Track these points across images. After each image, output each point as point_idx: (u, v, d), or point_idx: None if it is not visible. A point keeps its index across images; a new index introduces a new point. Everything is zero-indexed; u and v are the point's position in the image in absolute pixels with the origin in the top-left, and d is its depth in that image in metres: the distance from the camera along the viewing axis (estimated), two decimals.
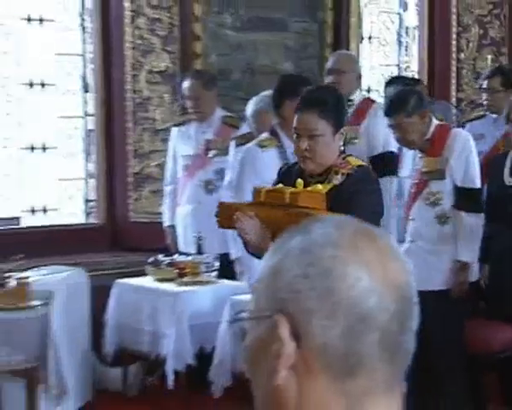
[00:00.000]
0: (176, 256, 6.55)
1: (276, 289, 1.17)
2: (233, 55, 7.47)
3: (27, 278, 5.62)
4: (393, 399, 1.18)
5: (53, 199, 7.41)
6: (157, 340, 6.25)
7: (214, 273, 6.39)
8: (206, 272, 6.37)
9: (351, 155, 4.26)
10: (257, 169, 5.60)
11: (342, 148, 4.26)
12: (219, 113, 6.74)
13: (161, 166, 7.26)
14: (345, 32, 8.08)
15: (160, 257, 6.52)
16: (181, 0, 7.25)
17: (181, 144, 6.83)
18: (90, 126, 7.53)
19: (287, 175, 4.23)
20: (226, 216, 4.15)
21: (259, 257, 3.99)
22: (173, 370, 6.08)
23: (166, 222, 6.96)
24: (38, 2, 7.22)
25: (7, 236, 6.61)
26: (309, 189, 3.92)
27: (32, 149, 7.24)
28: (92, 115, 7.52)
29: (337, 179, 3.95)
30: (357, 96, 6.40)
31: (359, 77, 6.59)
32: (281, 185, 4.08)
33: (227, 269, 6.41)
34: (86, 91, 7.51)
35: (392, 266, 1.17)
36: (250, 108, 6.27)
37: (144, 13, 7.23)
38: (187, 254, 6.57)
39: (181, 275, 6.32)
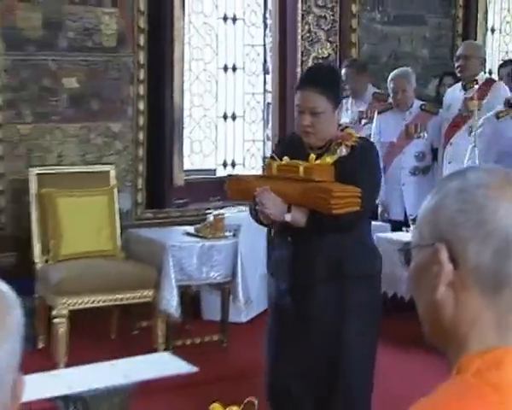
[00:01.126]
0: None
1: (437, 222, 1.17)
2: (381, 44, 7.47)
3: (222, 214, 5.82)
4: None
5: (239, 156, 7.54)
6: None
7: None
8: None
9: (347, 126, 3.78)
10: None
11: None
12: (371, 90, 6.79)
13: None
14: (473, 25, 7.99)
15: None
16: (341, 0, 7.27)
17: (341, 114, 6.86)
18: (269, 100, 7.61)
19: (288, 146, 3.60)
20: (236, 188, 3.67)
21: (268, 226, 3.73)
22: None
23: None
24: (232, 4, 7.34)
25: (206, 183, 6.82)
26: (319, 162, 3.39)
27: (225, 117, 7.41)
28: (270, 92, 7.60)
29: (342, 151, 3.40)
30: (481, 77, 6.39)
31: (484, 61, 6.52)
32: (287, 159, 3.47)
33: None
34: (266, 73, 7.60)
35: None
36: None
37: (312, 11, 7.27)
38: None
39: None
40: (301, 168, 3.35)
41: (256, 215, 3.51)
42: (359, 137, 3.54)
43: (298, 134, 3.55)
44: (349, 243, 3.40)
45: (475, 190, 1.16)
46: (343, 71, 6.70)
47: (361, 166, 3.39)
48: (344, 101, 6.83)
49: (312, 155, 3.39)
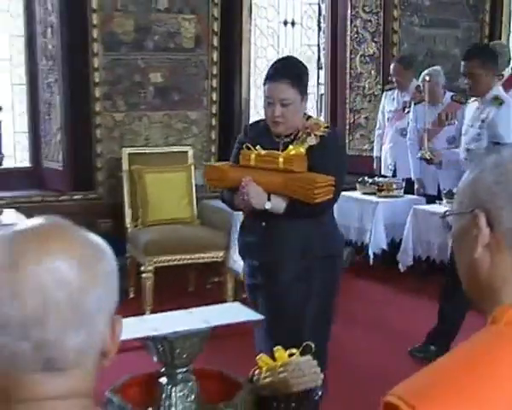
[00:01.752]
0: (376, 178, 6.59)
1: (476, 192, 1.16)
2: (418, 45, 7.32)
3: None
4: None
5: None
6: (362, 233, 6.33)
7: (402, 190, 6.45)
8: (397, 189, 6.42)
9: (311, 116, 3.23)
10: None
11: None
12: (414, 83, 6.67)
13: (367, 118, 7.29)
14: (498, 27, 7.79)
15: (366, 178, 6.53)
16: (384, 7, 7.15)
17: (387, 103, 6.76)
18: (321, 92, 7.62)
19: (256, 134, 3.16)
20: (213, 177, 3.25)
21: (242, 211, 3.28)
22: (373, 252, 6.17)
23: (375, 154, 6.89)
24: (291, 11, 7.30)
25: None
26: (293, 152, 3.00)
27: None
28: (323, 84, 7.60)
29: (312, 140, 3.02)
30: (506, 72, 6.20)
31: (509, 59, 6.36)
32: (260, 149, 3.07)
33: (411, 187, 6.46)
34: (320, 68, 7.58)
35: None
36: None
37: (360, 16, 7.20)
38: (385, 177, 6.64)
39: (380, 190, 6.37)
40: (281, 159, 2.98)
41: (230, 201, 3.19)
42: (326, 127, 3.13)
43: (263, 123, 3.17)
44: (317, 226, 3.06)
45: (509, 164, 1.15)
46: (392, 65, 6.62)
47: (331, 155, 3.04)
48: (390, 92, 6.78)
49: (290, 147, 3.02)
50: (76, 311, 0.93)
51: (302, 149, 3.00)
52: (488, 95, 4.56)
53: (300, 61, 3.19)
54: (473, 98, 4.84)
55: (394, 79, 6.61)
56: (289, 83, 2.97)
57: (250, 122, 3.55)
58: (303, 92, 3.04)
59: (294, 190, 2.94)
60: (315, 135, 3.02)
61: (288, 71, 3.03)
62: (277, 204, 3.00)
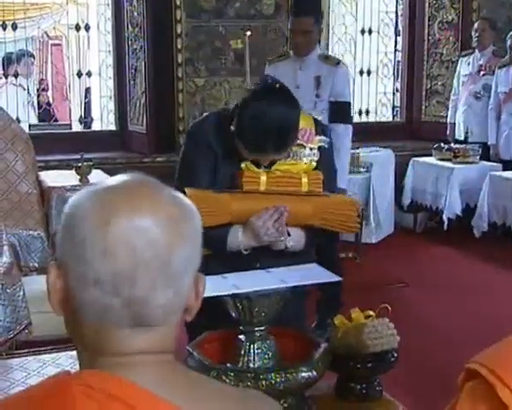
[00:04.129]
0: (452, 144, 6.44)
1: None
2: (498, 10, 7.04)
3: (358, 153, 5.77)
4: None
5: (372, 105, 7.38)
6: (437, 197, 6.24)
7: (478, 156, 6.27)
8: (473, 155, 6.26)
9: None
10: None
11: None
12: (491, 47, 6.44)
13: (444, 85, 7.08)
14: None
15: (442, 144, 6.39)
16: None
17: (463, 68, 6.54)
18: (399, 58, 7.43)
19: (220, 142, 2.17)
20: (206, 210, 1.97)
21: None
22: (447, 217, 6.06)
23: (449, 119, 6.69)
24: None
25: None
26: (305, 165, 2.19)
27: (361, 73, 7.25)
28: (400, 51, 7.41)
29: (311, 156, 2.20)
30: None
31: None
32: (279, 169, 2.16)
33: (487, 153, 6.27)
34: (398, 35, 7.40)
35: None
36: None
37: None
38: (460, 142, 6.46)
39: (455, 156, 6.24)
40: (305, 179, 2.14)
41: (222, 242, 2.14)
42: (316, 122, 2.28)
43: (214, 129, 2.19)
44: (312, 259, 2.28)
45: None
46: (477, 23, 6.42)
47: (332, 168, 2.33)
48: (465, 58, 6.55)
49: (308, 164, 2.19)
50: (164, 270, 0.91)
51: (304, 166, 2.19)
52: None
53: None
54: None
55: (476, 36, 6.39)
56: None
57: (197, 123, 2.33)
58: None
59: (327, 218, 2.17)
60: (310, 148, 2.21)
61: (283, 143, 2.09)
62: (298, 239, 2.19)
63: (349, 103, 4.45)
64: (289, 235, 2.15)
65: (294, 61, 4.40)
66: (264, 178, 2.10)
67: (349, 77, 4.64)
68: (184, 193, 1.95)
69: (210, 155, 2.16)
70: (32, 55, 7.28)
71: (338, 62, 4.42)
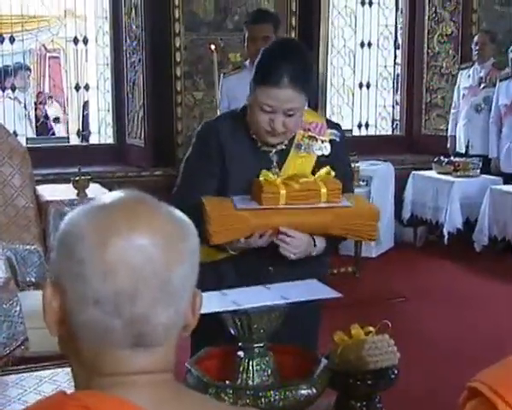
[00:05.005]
0: (452, 157, 6.44)
1: None
2: (497, 23, 7.08)
3: (358, 167, 5.73)
4: None
5: (372, 118, 7.41)
6: (437, 211, 6.24)
7: (478, 170, 6.27)
8: (473, 168, 6.26)
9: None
10: None
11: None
12: (491, 60, 6.47)
13: (444, 98, 7.09)
14: None
15: (442, 158, 6.40)
16: None
17: (463, 81, 6.56)
18: (398, 71, 7.44)
19: (230, 139, 2.18)
20: (225, 227, 2.05)
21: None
22: (448, 231, 6.06)
23: (449, 132, 6.69)
24: None
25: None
26: (324, 172, 2.14)
27: (360, 86, 7.27)
28: (399, 64, 7.42)
29: (322, 149, 2.20)
30: None
31: None
32: (294, 183, 2.10)
33: (487, 166, 6.27)
34: (397, 49, 7.42)
35: None
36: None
37: None
38: (461, 156, 6.46)
39: (455, 170, 6.24)
40: (323, 190, 2.09)
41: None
42: (327, 121, 2.30)
43: (235, 120, 2.23)
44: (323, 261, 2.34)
45: None
46: (477, 36, 6.46)
47: (346, 165, 2.33)
48: (466, 70, 6.57)
49: (322, 171, 2.14)
50: (164, 288, 0.91)
51: (326, 170, 2.15)
52: None
53: (305, 49, 2.21)
54: None
55: (476, 49, 6.41)
56: (298, 89, 2.08)
57: (213, 118, 2.42)
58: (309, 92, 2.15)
59: (347, 228, 2.13)
60: (322, 141, 2.21)
61: (295, 72, 2.08)
62: (320, 245, 2.19)
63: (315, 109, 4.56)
64: (315, 245, 2.16)
65: (251, 71, 4.45)
66: (283, 192, 2.07)
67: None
68: (183, 196, 2.14)
69: (217, 157, 2.17)
70: (29, 69, 7.30)
71: None
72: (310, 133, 2.20)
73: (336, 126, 2.30)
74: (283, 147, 2.20)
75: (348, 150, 2.39)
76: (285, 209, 2.09)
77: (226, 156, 2.17)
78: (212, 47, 3.45)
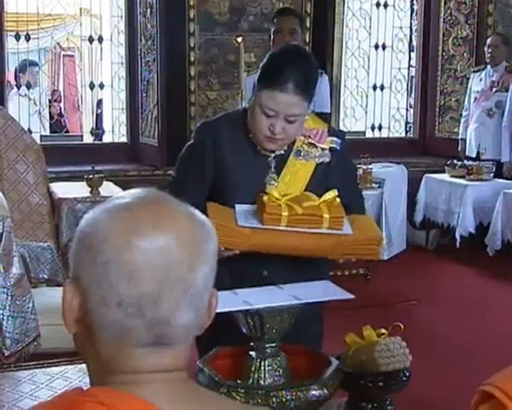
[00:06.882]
0: (466, 161, 6.41)
1: None
2: None
3: (371, 169, 5.76)
4: None
5: (385, 121, 7.39)
6: (450, 215, 6.21)
7: (491, 174, 6.24)
8: (486, 172, 6.23)
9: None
10: None
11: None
12: (504, 64, 6.44)
13: (458, 101, 7.07)
14: None
15: (455, 161, 6.38)
16: None
17: (474, 84, 6.53)
18: (412, 74, 7.43)
19: (228, 141, 2.17)
20: (228, 240, 2.02)
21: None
22: (460, 235, 6.02)
23: (460, 136, 6.67)
24: None
25: (357, 143, 6.58)
26: (329, 196, 2.09)
27: (374, 88, 7.26)
28: (414, 67, 7.40)
29: (322, 157, 2.19)
30: None
31: None
32: (298, 207, 2.07)
33: (499, 171, 6.25)
34: (411, 51, 7.39)
35: None
36: None
37: None
38: (474, 160, 6.43)
39: (469, 174, 6.21)
40: (326, 215, 2.07)
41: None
42: (330, 128, 2.29)
43: (233, 122, 2.20)
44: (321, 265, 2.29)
45: None
46: (490, 38, 6.43)
47: (351, 174, 2.36)
48: (477, 73, 6.54)
49: (329, 195, 2.10)
50: (187, 290, 0.91)
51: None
52: None
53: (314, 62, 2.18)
54: None
55: (489, 52, 6.38)
56: (302, 97, 2.07)
57: (213, 118, 2.35)
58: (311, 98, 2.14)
59: (348, 253, 2.16)
60: (322, 149, 2.20)
61: (300, 79, 2.07)
62: None
63: (330, 114, 4.60)
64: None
65: None
66: (285, 214, 2.06)
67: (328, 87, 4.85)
68: (176, 191, 2.06)
69: (211, 157, 2.17)
70: (43, 67, 7.33)
71: (321, 72, 4.44)
72: (310, 140, 2.20)
73: (339, 134, 2.28)
74: (282, 152, 2.19)
75: (351, 158, 2.35)
76: (285, 231, 2.07)
77: (222, 157, 2.16)
78: (239, 39, 3.44)
